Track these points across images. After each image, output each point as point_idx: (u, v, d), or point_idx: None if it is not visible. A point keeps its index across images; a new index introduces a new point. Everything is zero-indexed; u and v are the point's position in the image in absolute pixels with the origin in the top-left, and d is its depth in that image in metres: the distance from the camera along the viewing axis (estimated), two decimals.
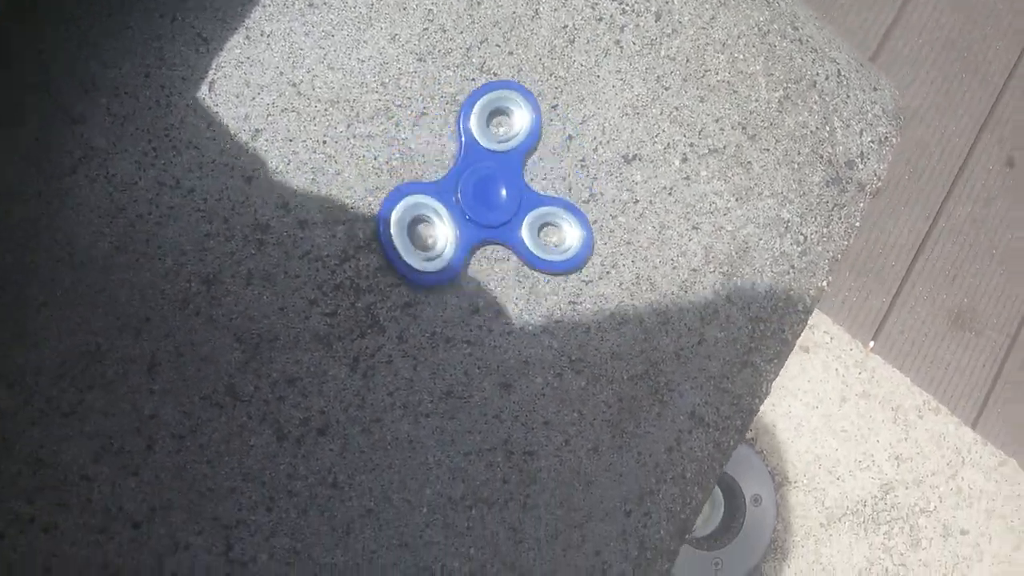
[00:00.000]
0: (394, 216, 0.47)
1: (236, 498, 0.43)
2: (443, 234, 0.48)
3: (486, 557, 0.48)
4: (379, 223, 0.46)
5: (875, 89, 0.62)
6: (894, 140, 0.62)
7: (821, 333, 1.14)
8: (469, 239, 0.48)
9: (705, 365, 0.52)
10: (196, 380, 0.44)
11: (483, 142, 0.48)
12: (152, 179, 0.44)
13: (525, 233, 0.48)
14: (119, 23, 0.44)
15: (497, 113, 0.50)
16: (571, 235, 0.49)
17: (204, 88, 0.45)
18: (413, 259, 0.47)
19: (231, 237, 0.45)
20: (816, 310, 1.03)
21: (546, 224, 0.50)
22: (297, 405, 0.45)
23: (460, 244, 0.47)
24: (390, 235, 0.46)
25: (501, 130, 0.50)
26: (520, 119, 0.49)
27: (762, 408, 0.58)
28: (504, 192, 0.50)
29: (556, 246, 0.50)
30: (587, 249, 0.51)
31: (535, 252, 0.48)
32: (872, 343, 1.25)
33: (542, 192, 0.50)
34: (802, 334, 0.59)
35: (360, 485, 0.45)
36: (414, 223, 0.48)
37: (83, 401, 0.42)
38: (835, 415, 1.10)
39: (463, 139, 0.48)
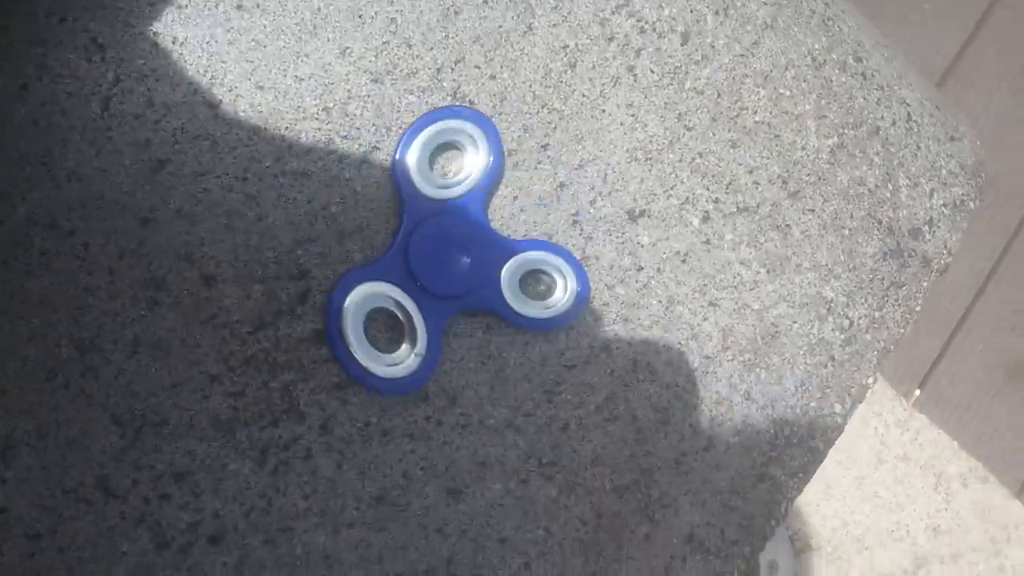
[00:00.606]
0: (347, 312, 0.38)
1: None
2: (409, 331, 0.39)
3: None
4: (327, 325, 0.38)
5: (952, 139, 0.50)
6: (972, 204, 0.50)
7: None
8: (438, 321, 0.39)
9: (711, 476, 0.43)
10: (60, 469, 0.36)
11: (424, 188, 0.38)
12: (22, 217, 0.37)
13: (505, 288, 0.39)
14: None
15: (445, 148, 0.40)
16: (561, 284, 0.41)
17: (95, 106, 0.38)
18: (375, 365, 0.38)
19: (116, 294, 0.37)
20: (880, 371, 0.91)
21: (532, 272, 0.41)
22: (185, 506, 0.37)
23: (428, 338, 0.39)
24: (345, 336, 0.38)
25: (451, 168, 0.40)
26: (473, 157, 0.40)
27: (807, 486, 0.48)
28: (466, 256, 0.39)
29: (542, 299, 0.41)
30: (581, 304, 0.41)
31: (517, 309, 0.40)
32: (918, 392, 1.12)
33: (519, 236, 0.41)
34: (864, 398, 0.49)
35: None
36: (373, 317, 0.40)
37: None
38: (869, 478, 0.99)
39: (400, 186, 0.37)
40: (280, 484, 0.38)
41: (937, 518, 1.01)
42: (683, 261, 0.44)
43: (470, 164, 0.40)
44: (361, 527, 0.39)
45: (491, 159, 0.40)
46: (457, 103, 0.42)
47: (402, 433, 0.40)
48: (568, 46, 0.43)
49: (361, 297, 0.38)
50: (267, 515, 0.38)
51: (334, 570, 0.39)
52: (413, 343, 0.39)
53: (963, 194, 0.49)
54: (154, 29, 0.38)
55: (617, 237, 0.43)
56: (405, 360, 0.38)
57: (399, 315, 0.39)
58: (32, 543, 0.36)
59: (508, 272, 0.40)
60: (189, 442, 0.38)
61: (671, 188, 0.44)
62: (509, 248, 0.40)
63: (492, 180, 0.40)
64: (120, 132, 0.38)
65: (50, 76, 0.37)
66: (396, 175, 0.39)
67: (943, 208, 0.48)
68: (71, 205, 0.37)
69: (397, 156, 0.39)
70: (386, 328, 0.40)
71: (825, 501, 0.97)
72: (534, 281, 0.42)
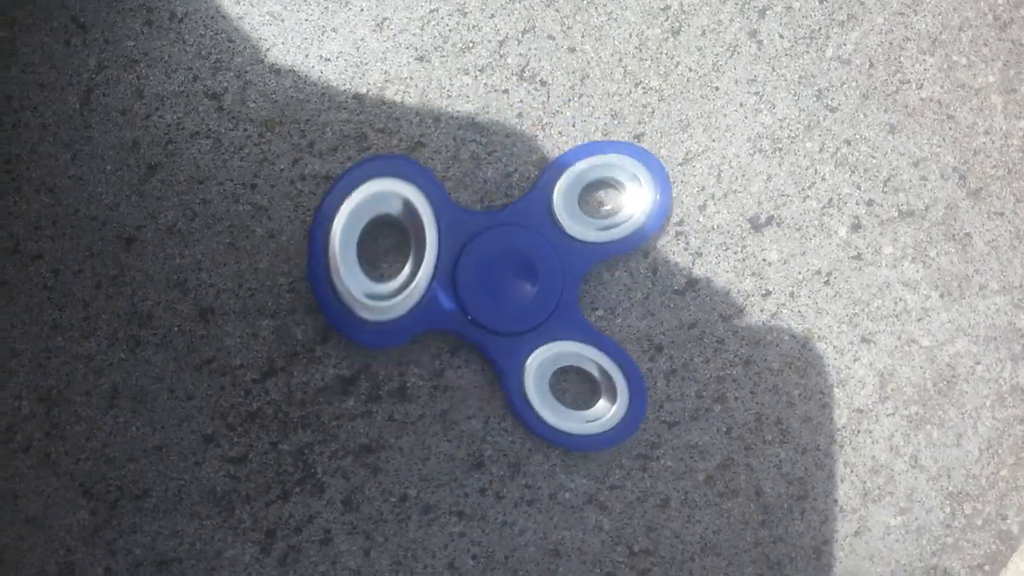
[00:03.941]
0: (347, 205, 0.32)
1: None
2: (414, 258, 0.33)
3: None
4: (320, 206, 0.32)
5: None
6: None
7: None
8: (440, 314, 0.33)
9: (864, 571, 0.36)
10: (16, 553, 0.32)
11: (563, 219, 0.34)
12: None
13: (530, 372, 0.33)
14: None
15: (601, 185, 0.36)
16: (607, 403, 0.34)
17: (73, 100, 0.34)
18: (356, 287, 0.32)
19: (91, 332, 0.33)
20: None
21: (571, 369, 0.35)
22: None
23: (429, 296, 0.32)
24: (327, 236, 0.32)
25: (601, 205, 0.36)
26: (633, 200, 0.35)
27: None
28: (532, 291, 0.33)
29: (580, 409, 0.35)
30: (629, 428, 0.34)
31: (536, 408, 0.34)
32: None
33: (592, 307, 0.36)
34: None
35: None
36: (374, 229, 0.33)
37: None
38: None
39: (534, 199, 0.34)
40: (288, 574, 0.33)
41: None
42: (826, 283, 0.37)
43: (629, 205, 0.36)
44: None
45: (657, 198, 0.35)
46: (524, 81, 0.34)
47: (449, 510, 0.34)
48: (670, 6, 0.37)
49: (359, 202, 0.32)
50: None
51: None
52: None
53: None
54: (147, 3, 0.35)
55: (736, 252, 0.37)
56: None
57: (407, 226, 0.33)
58: None
59: (544, 359, 0.34)
60: (176, 520, 0.33)
61: (808, 187, 0.37)
62: (567, 326, 0.34)
63: (649, 233, 0.35)
64: (102, 131, 0.34)
65: (19, 65, 0.34)
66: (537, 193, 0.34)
67: None
68: (39, 223, 0.34)
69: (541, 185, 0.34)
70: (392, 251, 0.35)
71: None
72: (572, 380, 0.36)
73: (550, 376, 0.34)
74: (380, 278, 0.33)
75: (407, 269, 0.33)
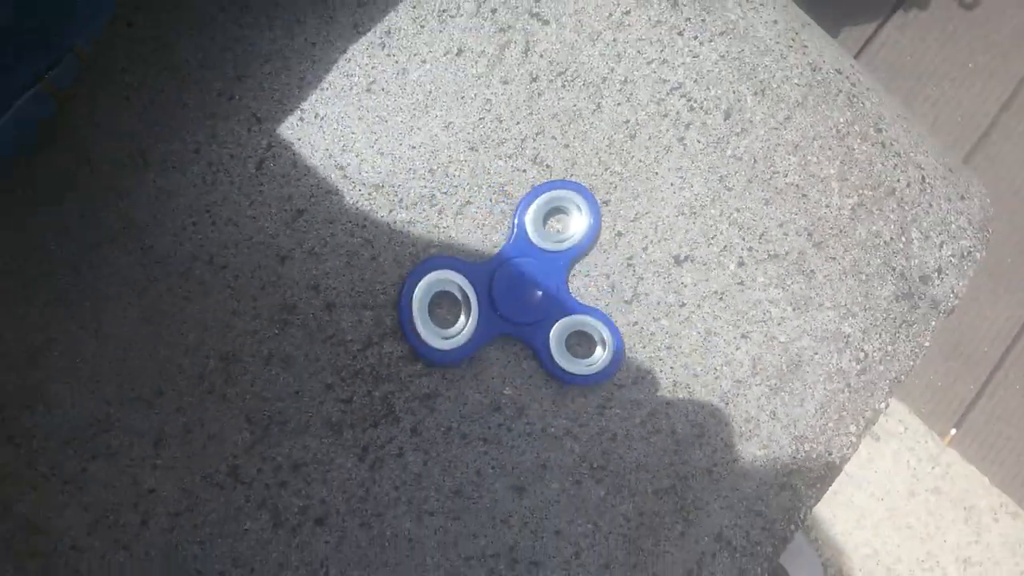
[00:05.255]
0: (420, 286, 0.44)
1: None
2: (465, 314, 0.45)
3: None
4: (402, 289, 0.44)
5: (963, 198, 0.56)
6: (978, 255, 0.56)
7: (895, 422, 1.07)
8: (491, 329, 0.45)
9: (739, 484, 0.48)
10: (200, 458, 0.42)
11: (535, 239, 0.46)
12: (187, 253, 0.43)
13: (552, 339, 0.45)
14: (175, 99, 0.44)
15: (555, 212, 0.47)
16: (601, 350, 0.46)
17: (251, 167, 0.44)
18: (429, 334, 0.44)
19: (256, 316, 0.44)
20: (892, 397, 0.96)
21: (577, 333, 0.47)
22: (298, 492, 0.43)
23: (479, 330, 0.45)
24: (411, 305, 0.44)
25: (557, 227, 0.48)
26: (577, 222, 0.47)
27: (823, 496, 0.53)
28: (540, 293, 0.47)
29: (584, 358, 0.47)
30: (615, 367, 0.48)
31: (559, 361, 0.45)
32: (953, 431, 1.16)
33: (580, 297, 0.47)
34: (877, 421, 0.55)
35: None
36: (437, 298, 0.45)
37: (85, 470, 0.41)
38: (901, 509, 1.03)
39: (515, 231, 0.46)
40: (376, 476, 0.44)
41: (967, 550, 1.04)
42: (720, 299, 0.49)
43: (574, 226, 0.48)
44: (440, 515, 0.44)
45: (591, 221, 0.47)
46: (538, 169, 0.50)
47: (478, 437, 0.45)
48: (629, 121, 0.48)
49: (435, 279, 0.45)
50: (364, 502, 0.44)
51: (416, 551, 0.46)
52: (463, 327, 0.45)
53: (970, 246, 0.55)
54: (301, 107, 0.44)
55: (664, 278, 0.48)
56: (454, 337, 0.45)
57: (459, 298, 0.45)
58: (173, 519, 0.42)
59: (561, 326, 0.46)
60: (305, 439, 0.43)
61: (712, 238, 0.49)
62: (571, 306, 0.46)
63: (588, 244, 0.47)
64: (269, 187, 0.44)
65: (217, 142, 0.44)
66: (515, 221, 0.46)
67: (951, 258, 0.54)
68: (226, 244, 0.43)
69: (519, 209, 0.47)
70: (446, 314, 0.46)
71: (858, 530, 1.01)
72: (579, 339, 0.47)
73: (564, 340, 0.46)
74: (445, 324, 0.45)
75: (462, 318, 0.45)
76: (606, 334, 0.46)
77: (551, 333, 0.46)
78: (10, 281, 0.42)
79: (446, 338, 0.44)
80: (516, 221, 0.46)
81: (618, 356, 0.46)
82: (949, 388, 1.18)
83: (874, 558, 1.01)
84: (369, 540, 0.43)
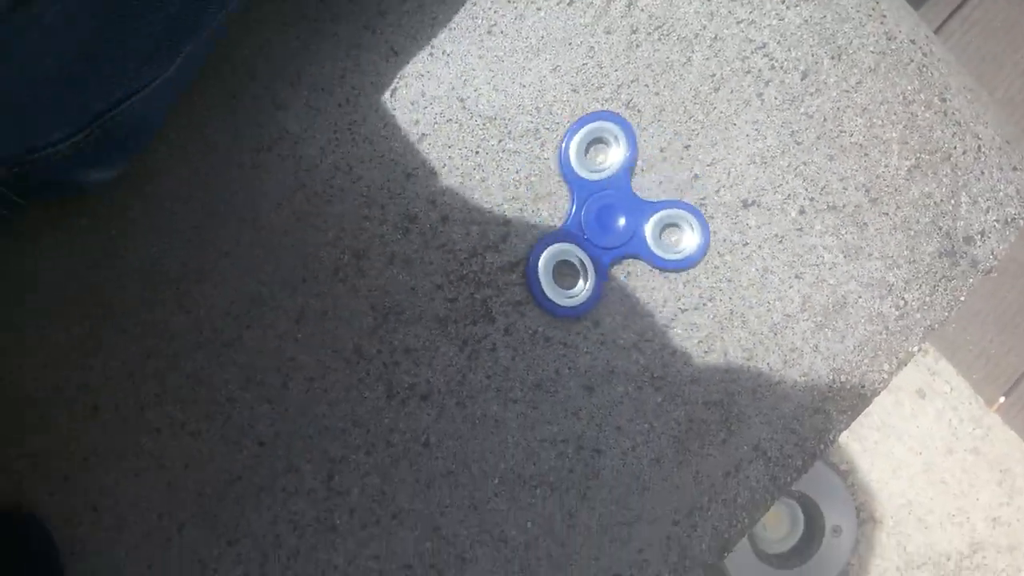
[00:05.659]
0: (541, 263, 0.52)
1: (344, 439, 0.49)
2: (583, 275, 0.52)
3: (540, 532, 0.54)
4: (527, 269, 0.51)
5: (1015, 169, 0.60)
6: (1021, 223, 0.61)
7: (942, 382, 1.12)
8: (603, 269, 0.51)
9: (779, 404, 0.53)
10: (332, 336, 0.49)
11: (580, 171, 0.51)
12: (331, 164, 0.49)
13: (649, 239, 0.52)
14: (328, 30, 0.50)
15: (596, 142, 0.52)
16: (689, 236, 0.52)
17: (387, 93, 0.50)
18: (558, 297, 0.51)
19: (384, 221, 0.50)
20: (942, 359, 1.02)
21: (668, 226, 0.53)
22: (408, 372, 0.50)
23: (596, 280, 0.51)
24: (539, 280, 0.51)
25: (599, 158, 0.53)
26: (616, 151, 0.52)
27: (862, 444, 0.60)
28: (623, 218, 0.55)
29: (675, 246, 0.53)
30: (702, 250, 0.52)
31: (658, 254, 0.52)
32: (1002, 399, 1.21)
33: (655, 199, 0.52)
34: (922, 380, 0.61)
35: (446, 449, 0.51)
36: (558, 267, 0.52)
37: (241, 337, 0.49)
38: (938, 465, 1.09)
39: (563, 169, 0.51)
40: (472, 365, 0.50)
41: (998, 510, 1.09)
42: (779, 242, 0.52)
43: (614, 153, 0.52)
44: (522, 403, 0.51)
45: (629, 152, 0.52)
46: (630, 112, 0.57)
47: (559, 341, 0.51)
48: (715, 75, 0.52)
49: (550, 255, 0.51)
50: (461, 386, 0.50)
51: (500, 430, 0.54)
52: (586, 281, 0.52)
53: (1015, 213, 0.58)
54: (431, 43, 0.50)
55: (731, 219, 0.52)
56: (580, 294, 0.52)
57: (577, 264, 0.51)
58: (308, 383, 0.50)
59: (651, 226, 0.52)
60: (417, 328, 0.49)
61: (778, 186, 0.52)
62: (650, 208, 0.52)
63: (634, 156, 0.51)
64: (400, 112, 0.50)
65: (360, 70, 0.49)
66: (560, 158, 0.51)
67: (995, 223, 0.58)
68: (362, 158, 0.49)
69: (563, 146, 0.51)
70: (569, 273, 0.52)
71: (894, 480, 1.07)
72: (670, 231, 0.53)
73: (660, 231, 0.51)
74: (566, 286, 0.51)
75: (580, 282, 0.51)
76: (692, 220, 0.52)
77: (647, 235, 0.51)
78: (185, 170, 0.51)
79: (571, 296, 0.51)
80: (562, 158, 0.52)
81: (706, 238, 0.52)
82: (1003, 358, 1.21)
83: (907, 508, 1.07)
84: (463, 417, 0.51)
